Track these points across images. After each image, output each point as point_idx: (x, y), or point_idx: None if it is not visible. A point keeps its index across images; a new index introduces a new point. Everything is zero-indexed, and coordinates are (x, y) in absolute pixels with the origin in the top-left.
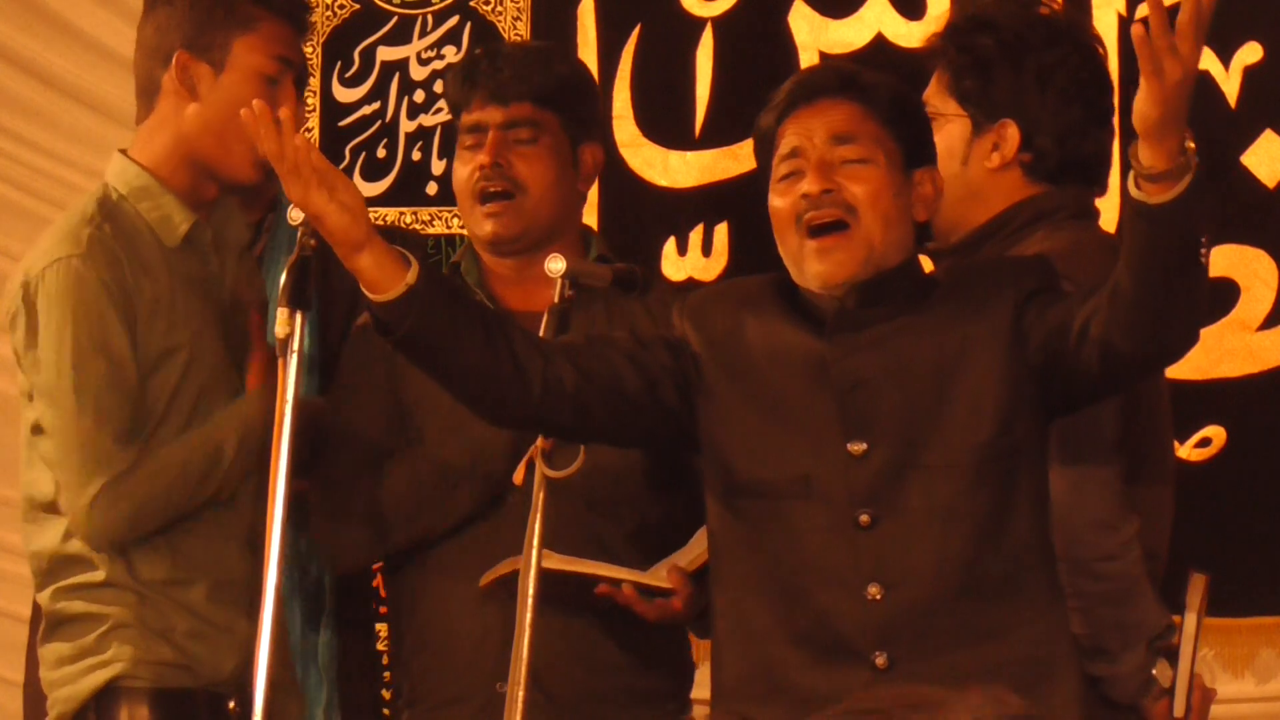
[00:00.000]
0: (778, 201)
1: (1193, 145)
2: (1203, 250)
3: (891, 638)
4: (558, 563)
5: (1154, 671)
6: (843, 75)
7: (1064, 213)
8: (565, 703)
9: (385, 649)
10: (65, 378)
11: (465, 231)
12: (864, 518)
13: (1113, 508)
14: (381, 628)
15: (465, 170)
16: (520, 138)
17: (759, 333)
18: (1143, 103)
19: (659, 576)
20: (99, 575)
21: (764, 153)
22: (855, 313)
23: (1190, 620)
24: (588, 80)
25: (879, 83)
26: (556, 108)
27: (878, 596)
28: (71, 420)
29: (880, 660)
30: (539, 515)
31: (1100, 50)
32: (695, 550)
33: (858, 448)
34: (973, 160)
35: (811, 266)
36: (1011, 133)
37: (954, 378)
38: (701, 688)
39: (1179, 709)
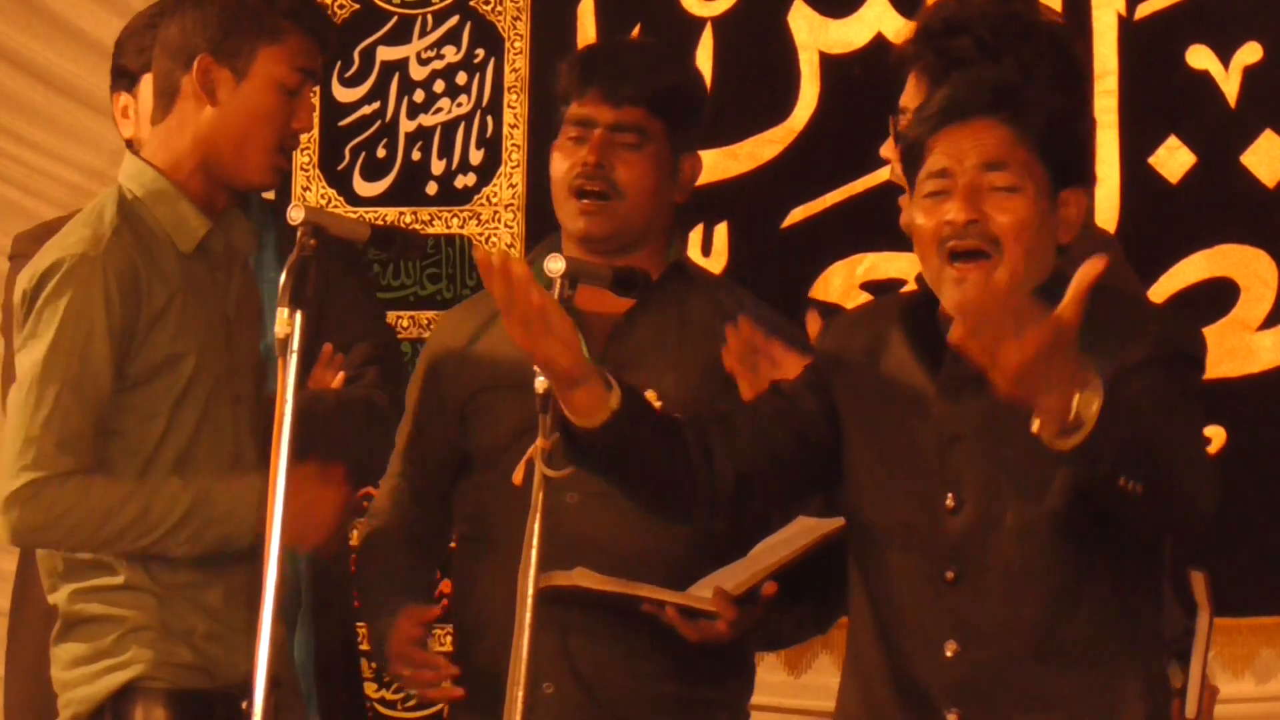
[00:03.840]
0: (922, 219)
1: (1095, 382)
2: (1153, 455)
3: (965, 696)
4: (596, 583)
5: (1167, 673)
6: (1000, 92)
7: None
8: (610, 706)
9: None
10: (36, 368)
11: (465, 231)
12: (950, 574)
13: None
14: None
15: (565, 163)
16: (626, 141)
17: (884, 369)
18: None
19: (702, 598)
20: (118, 579)
21: (910, 164)
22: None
23: (1203, 620)
24: (700, 91)
25: (1037, 101)
26: (666, 116)
27: (955, 653)
28: (27, 411)
29: (953, 717)
30: (539, 515)
31: (1075, 40)
32: (745, 573)
33: (952, 501)
34: None
35: (949, 292)
36: None
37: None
38: (760, 693)
39: (1191, 709)
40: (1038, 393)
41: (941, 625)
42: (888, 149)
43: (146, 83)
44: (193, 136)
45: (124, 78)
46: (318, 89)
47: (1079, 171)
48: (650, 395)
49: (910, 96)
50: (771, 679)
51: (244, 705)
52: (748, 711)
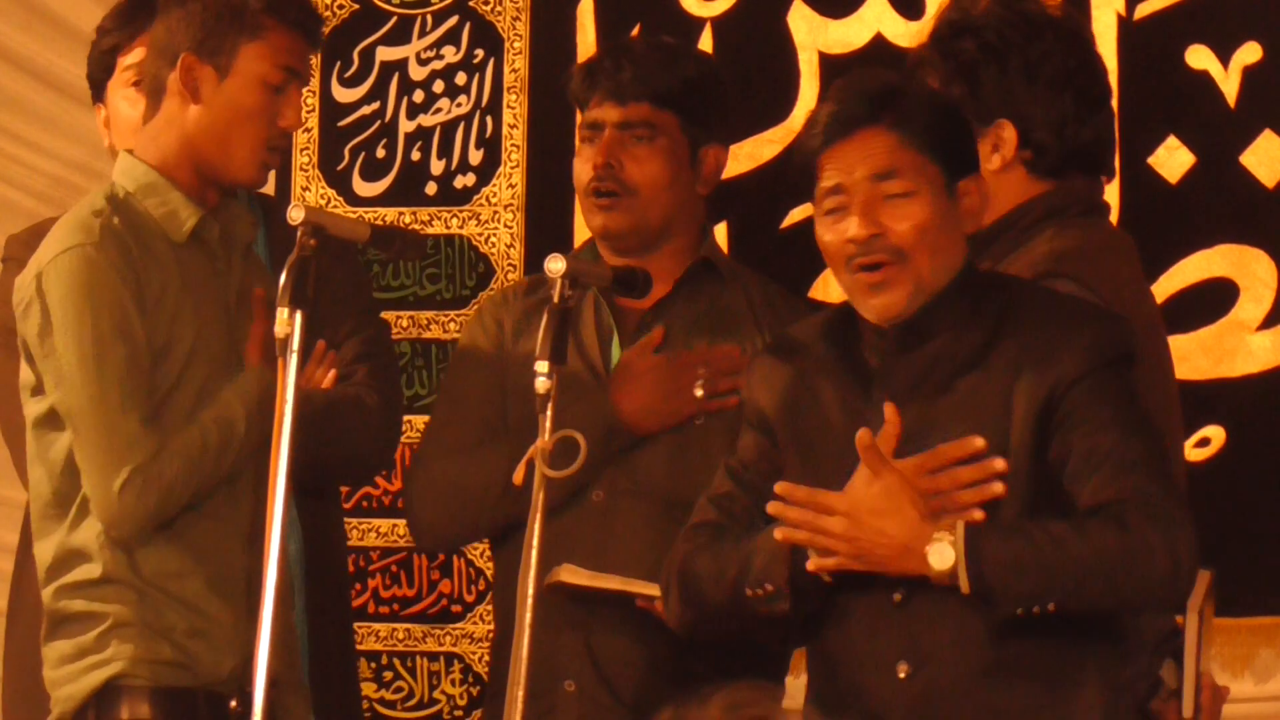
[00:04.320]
0: (826, 236)
1: (955, 535)
2: (1056, 588)
3: (920, 717)
4: (583, 579)
5: (1160, 673)
6: (875, 102)
7: (1074, 209)
8: (636, 707)
9: (382, 649)
10: (88, 363)
11: (464, 231)
12: (897, 596)
13: None
14: (381, 628)
15: (583, 168)
16: (635, 137)
17: (816, 397)
18: None
19: None
20: (96, 571)
21: (806, 180)
22: (899, 371)
23: (1192, 620)
24: (714, 81)
25: (914, 103)
26: (677, 108)
27: (907, 675)
28: (97, 405)
29: None
30: (539, 515)
31: (1084, 34)
32: None
33: None
34: None
35: (866, 301)
36: (1008, 133)
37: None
38: (793, 698)
39: (1187, 709)
40: (886, 566)
41: (892, 647)
42: None
43: (111, 90)
44: (179, 134)
45: (95, 88)
46: (316, 86)
47: (972, 161)
48: None
49: None
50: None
51: (232, 704)
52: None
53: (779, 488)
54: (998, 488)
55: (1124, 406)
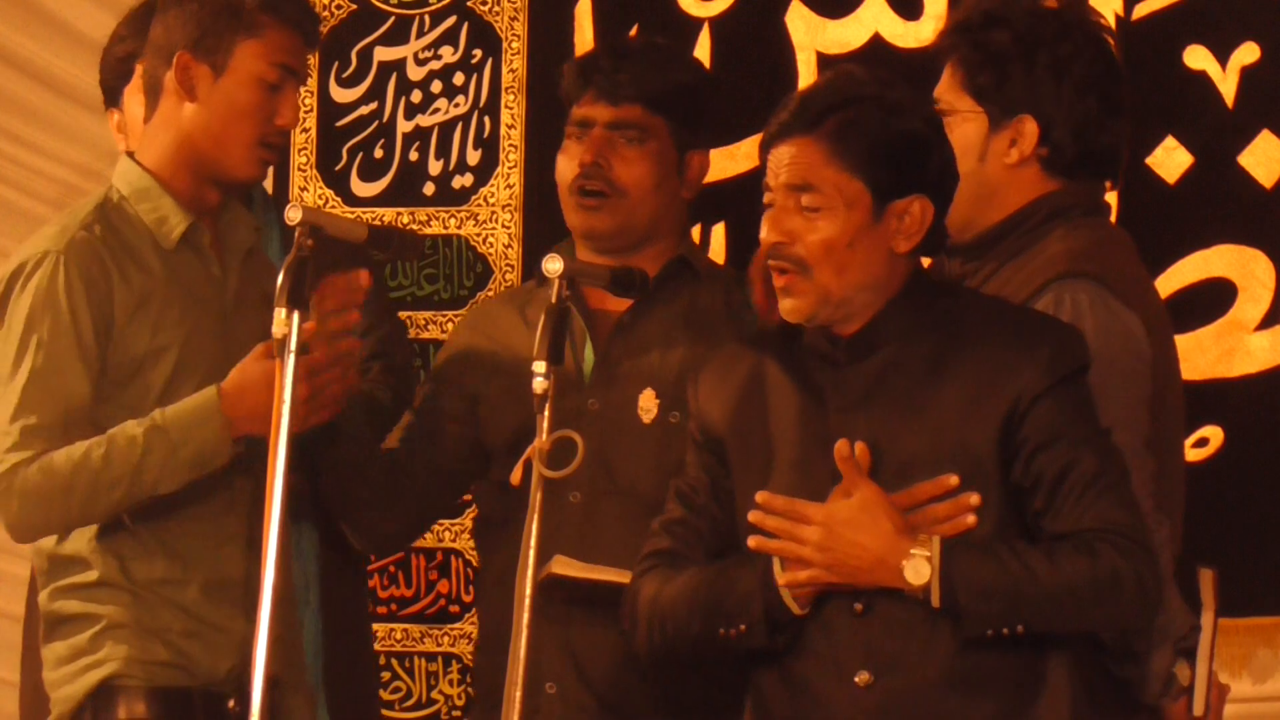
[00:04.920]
0: (760, 232)
1: (931, 551)
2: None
3: None
4: (576, 570)
5: (1174, 671)
6: (817, 112)
7: (1079, 209)
8: (618, 708)
9: (380, 649)
10: (5, 364)
11: (462, 232)
12: (858, 606)
13: (1147, 508)
14: (379, 628)
15: (568, 164)
16: (625, 139)
17: (766, 409)
18: None
19: None
20: (93, 575)
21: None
22: (851, 380)
23: (1207, 618)
24: (705, 88)
25: (857, 119)
26: (667, 113)
27: (867, 683)
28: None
29: None
30: (537, 515)
31: (1111, 40)
32: None
33: None
34: (990, 157)
35: (779, 302)
36: (1030, 128)
37: (943, 468)
38: None
39: (1199, 708)
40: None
41: (853, 656)
42: None
43: (128, 93)
44: (175, 133)
45: (109, 93)
46: (314, 86)
47: (914, 182)
48: (648, 394)
49: (945, 88)
50: None
51: (230, 704)
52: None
53: (759, 497)
54: (970, 520)
55: (1085, 423)
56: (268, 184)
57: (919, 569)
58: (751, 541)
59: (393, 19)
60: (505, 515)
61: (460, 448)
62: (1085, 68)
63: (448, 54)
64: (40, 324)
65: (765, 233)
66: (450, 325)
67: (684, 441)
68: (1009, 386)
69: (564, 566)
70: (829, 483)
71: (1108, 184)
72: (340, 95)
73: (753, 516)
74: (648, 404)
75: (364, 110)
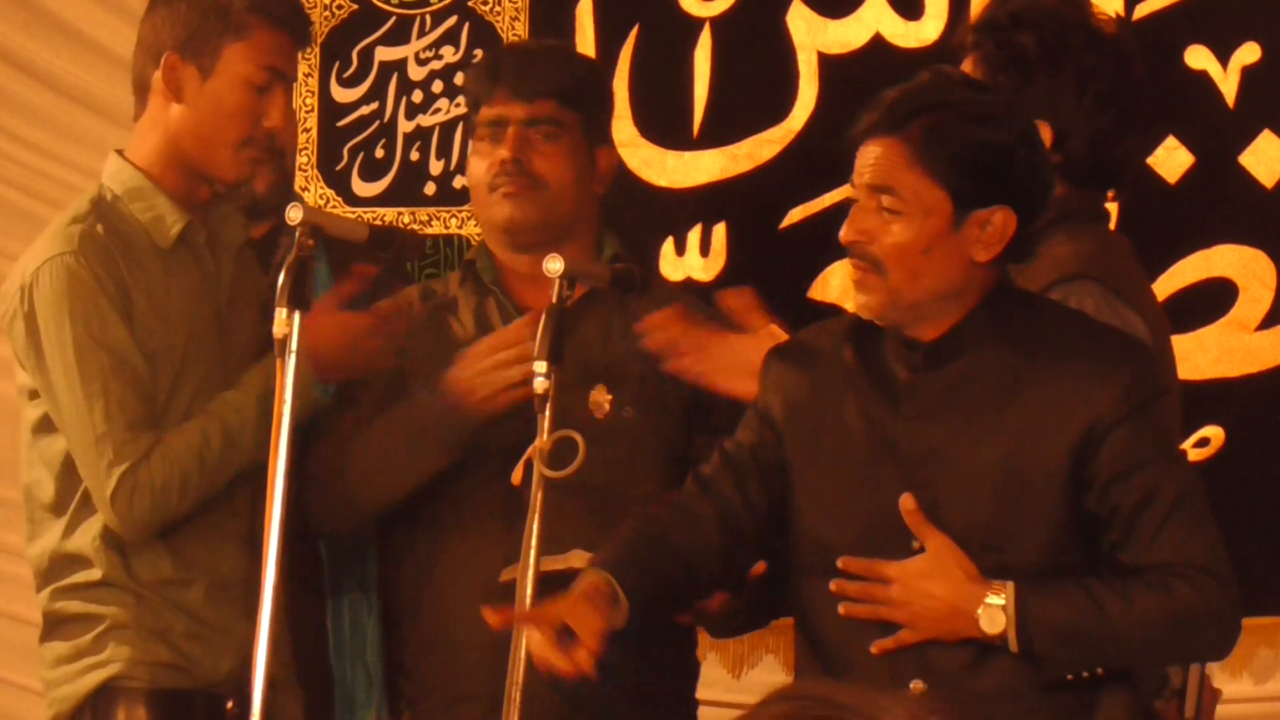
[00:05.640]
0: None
1: (1006, 598)
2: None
3: None
4: (562, 565)
5: (1167, 672)
6: (900, 113)
7: (1082, 215)
8: (571, 698)
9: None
10: (71, 373)
11: (464, 231)
12: None
13: None
14: None
15: (483, 164)
16: (542, 134)
17: (833, 405)
18: None
19: None
20: (96, 574)
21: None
22: (926, 387)
23: None
24: (605, 83)
25: (946, 125)
26: (578, 107)
27: (921, 692)
28: (83, 415)
29: None
30: (538, 515)
31: (1136, 55)
32: None
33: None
34: None
35: (854, 296)
36: (1045, 134)
37: (1013, 490)
38: (706, 688)
39: (1190, 709)
40: (944, 633)
41: (907, 664)
42: None
43: None
44: (163, 133)
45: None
46: (315, 86)
47: (1000, 192)
48: (599, 390)
49: None
50: (769, 679)
51: (229, 705)
52: (696, 703)
53: (840, 562)
54: None
55: (1162, 451)
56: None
57: (994, 618)
58: (841, 609)
59: (394, 19)
60: (451, 519)
61: None
62: (1108, 81)
63: (449, 54)
64: (90, 323)
65: (844, 231)
66: None
67: (636, 435)
68: (1084, 410)
69: (583, 561)
70: (890, 488)
71: (1110, 193)
72: (341, 95)
73: (834, 586)
74: (599, 399)
75: (365, 110)
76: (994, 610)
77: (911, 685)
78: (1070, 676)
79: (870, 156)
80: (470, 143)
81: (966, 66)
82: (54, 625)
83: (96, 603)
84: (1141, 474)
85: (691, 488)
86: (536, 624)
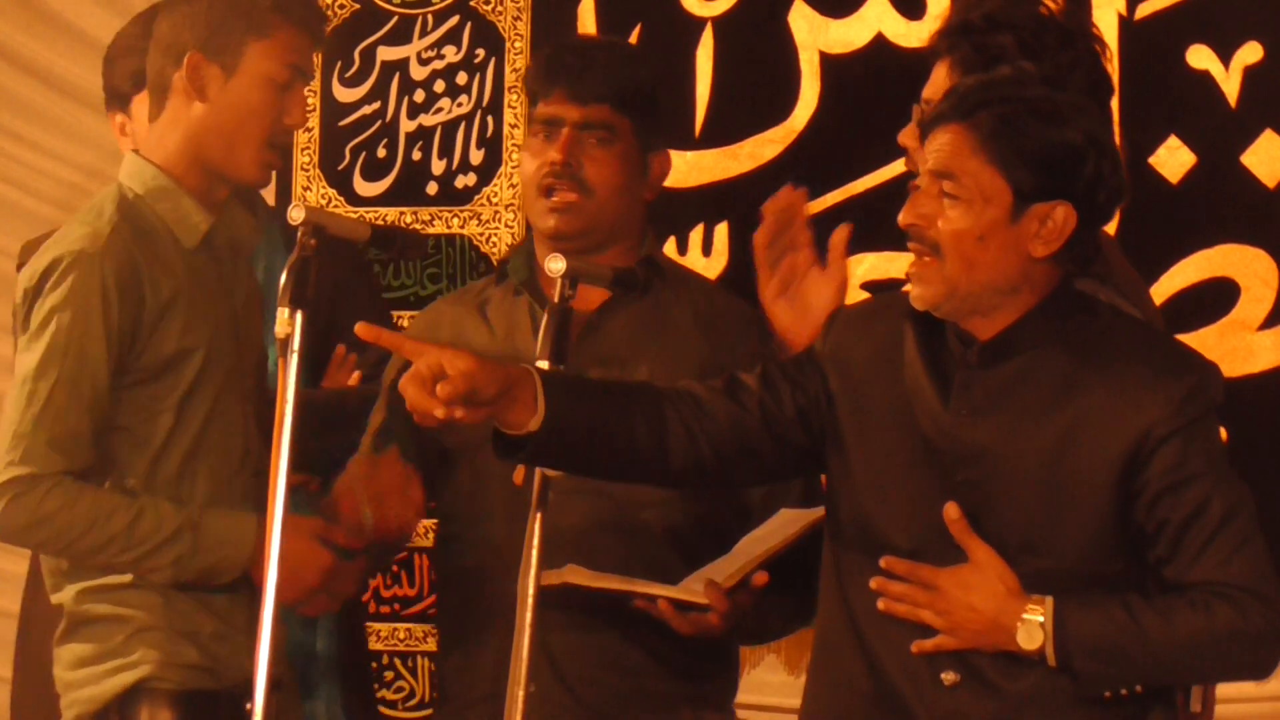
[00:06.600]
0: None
1: (1044, 614)
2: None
3: None
4: (587, 579)
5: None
6: (969, 102)
7: None
8: (593, 705)
9: (383, 649)
10: (32, 365)
11: (465, 231)
12: None
13: None
14: (382, 627)
15: (534, 162)
16: (594, 139)
17: (894, 379)
18: None
19: (694, 591)
20: (126, 576)
21: None
22: (979, 385)
23: None
24: (662, 87)
25: (1014, 116)
26: (633, 113)
27: (954, 684)
28: (19, 405)
29: None
30: (538, 516)
31: (1106, 53)
32: (733, 565)
33: None
34: None
35: (910, 288)
36: None
37: (1059, 495)
38: (746, 692)
39: (1195, 704)
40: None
41: (943, 655)
42: (906, 135)
43: (138, 102)
44: (184, 133)
45: (117, 98)
46: (317, 86)
47: (1057, 187)
48: None
49: (936, 88)
50: (771, 679)
51: (248, 706)
52: (733, 709)
53: (884, 562)
54: None
55: (1212, 466)
56: (269, 185)
57: (1032, 634)
58: (880, 605)
59: (396, 18)
60: (469, 518)
61: (429, 451)
62: (1083, 78)
63: (451, 53)
64: (74, 328)
65: (903, 214)
66: None
67: None
68: (1136, 420)
69: (577, 576)
70: (932, 482)
71: None
72: (343, 95)
73: (874, 583)
74: None
75: (367, 110)
76: (1032, 626)
77: (943, 676)
78: (1108, 694)
79: (936, 143)
80: (525, 137)
81: (941, 71)
82: (76, 626)
83: (125, 605)
84: (1191, 489)
85: (717, 383)
86: (414, 358)
